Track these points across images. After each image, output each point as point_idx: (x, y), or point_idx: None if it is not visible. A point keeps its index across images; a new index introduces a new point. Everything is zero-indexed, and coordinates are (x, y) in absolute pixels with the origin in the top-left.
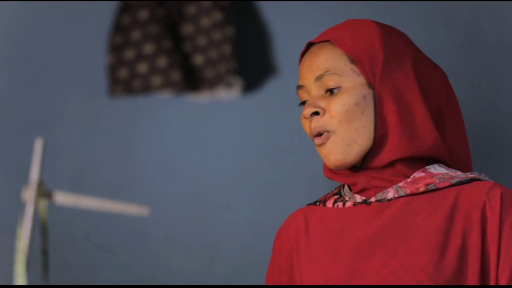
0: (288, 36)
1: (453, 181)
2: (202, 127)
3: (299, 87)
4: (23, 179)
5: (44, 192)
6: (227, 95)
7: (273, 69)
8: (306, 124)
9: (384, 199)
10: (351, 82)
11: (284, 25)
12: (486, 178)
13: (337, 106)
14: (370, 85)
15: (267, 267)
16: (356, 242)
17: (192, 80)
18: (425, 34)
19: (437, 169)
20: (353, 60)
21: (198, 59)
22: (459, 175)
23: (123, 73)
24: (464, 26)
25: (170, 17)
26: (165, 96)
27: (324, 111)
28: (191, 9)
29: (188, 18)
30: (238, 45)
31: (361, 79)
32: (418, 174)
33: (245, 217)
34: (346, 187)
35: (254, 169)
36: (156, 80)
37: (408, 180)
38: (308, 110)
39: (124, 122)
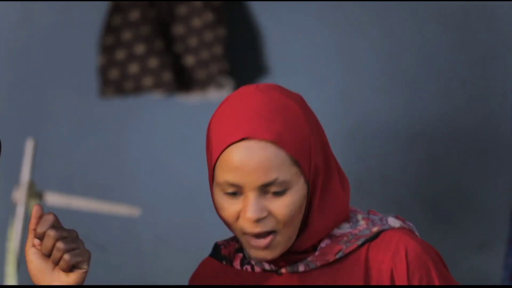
0: (279, 36)
1: (359, 242)
2: (193, 128)
3: (232, 184)
4: (14, 180)
5: (35, 192)
6: (218, 95)
7: (265, 70)
8: (232, 215)
9: (295, 271)
10: (296, 185)
11: (275, 26)
12: (388, 222)
13: (285, 211)
14: (307, 181)
15: None
16: None
17: (183, 81)
18: (418, 36)
19: (341, 228)
20: (295, 161)
21: (190, 60)
22: (363, 231)
23: (114, 73)
24: (456, 27)
25: (162, 17)
26: (156, 97)
27: (268, 213)
28: (182, 9)
29: (179, 18)
30: (230, 45)
31: (301, 180)
32: (324, 243)
33: None
34: None
35: None
36: (148, 80)
37: (316, 253)
38: (257, 215)
39: (116, 122)
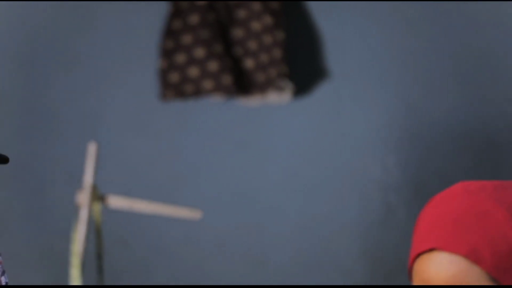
0: (339, 39)
1: None
2: (253, 131)
3: None
4: (76, 183)
5: (97, 195)
6: (278, 99)
7: (324, 73)
8: None
9: None
10: None
11: (335, 29)
12: None
13: None
14: None
15: (316, 270)
16: None
17: (243, 84)
18: (481, 37)
19: None
20: (494, 279)
21: (249, 63)
22: None
23: (174, 77)
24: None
25: (221, 21)
26: (216, 100)
27: None
28: (241, 13)
29: (238, 22)
30: (289, 48)
31: None
32: None
33: (294, 221)
34: None
35: (303, 173)
36: (207, 84)
37: None
38: None
39: (176, 126)
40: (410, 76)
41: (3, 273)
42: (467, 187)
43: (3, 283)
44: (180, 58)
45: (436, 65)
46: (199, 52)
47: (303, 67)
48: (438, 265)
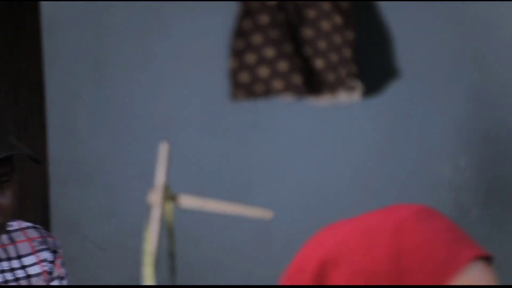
0: (408, 38)
1: None
2: (323, 131)
3: None
4: (148, 183)
5: (169, 195)
6: (348, 98)
7: (394, 72)
8: None
9: None
10: None
11: (404, 27)
12: None
13: None
14: None
15: None
16: None
17: (313, 84)
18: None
19: None
20: None
21: (319, 63)
22: None
23: (244, 77)
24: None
25: (290, 21)
26: (286, 100)
27: None
28: (311, 13)
29: (308, 22)
30: (359, 48)
31: None
32: None
33: None
34: None
35: (374, 173)
36: (277, 84)
37: None
38: None
39: (246, 125)
40: (483, 76)
41: (63, 264)
42: (418, 211)
43: (63, 274)
44: (250, 58)
45: (506, 64)
46: (269, 52)
47: (373, 66)
48: (491, 270)
